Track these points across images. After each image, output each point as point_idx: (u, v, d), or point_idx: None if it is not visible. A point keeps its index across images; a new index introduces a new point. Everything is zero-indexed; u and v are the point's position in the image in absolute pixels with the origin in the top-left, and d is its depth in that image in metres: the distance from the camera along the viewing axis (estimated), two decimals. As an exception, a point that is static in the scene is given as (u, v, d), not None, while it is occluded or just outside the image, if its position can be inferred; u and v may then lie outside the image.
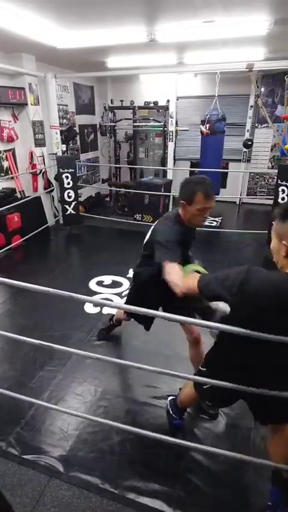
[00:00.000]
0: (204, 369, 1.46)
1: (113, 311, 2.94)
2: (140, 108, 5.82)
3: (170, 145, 5.30)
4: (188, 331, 1.92)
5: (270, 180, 5.85)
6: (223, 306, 1.28)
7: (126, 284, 3.40)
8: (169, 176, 5.59)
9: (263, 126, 5.72)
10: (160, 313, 1.50)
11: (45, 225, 4.83)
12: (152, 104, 5.77)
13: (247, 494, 1.55)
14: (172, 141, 5.24)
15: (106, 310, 2.95)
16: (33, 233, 4.47)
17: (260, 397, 1.24)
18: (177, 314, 1.38)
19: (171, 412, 1.84)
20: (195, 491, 1.55)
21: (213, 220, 5.29)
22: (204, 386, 1.45)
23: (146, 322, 2.05)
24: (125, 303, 2.16)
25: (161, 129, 5.71)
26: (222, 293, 1.13)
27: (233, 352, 1.31)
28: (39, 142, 4.67)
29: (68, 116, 5.54)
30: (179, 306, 1.81)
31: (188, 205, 1.62)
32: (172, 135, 5.17)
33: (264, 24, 2.87)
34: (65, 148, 5.19)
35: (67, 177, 4.74)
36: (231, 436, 1.84)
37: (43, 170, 4.77)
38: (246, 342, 1.12)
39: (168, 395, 1.92)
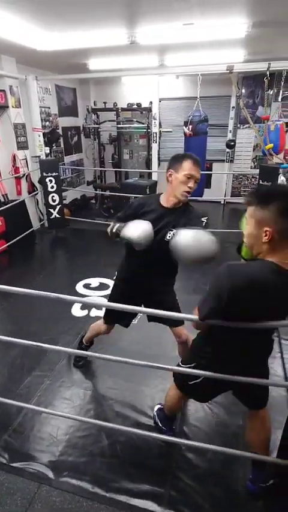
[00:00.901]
0: (187, 366, 1.44)
1: (100, 313, 2.93)
2: (123, 110, 5.83)
3: (154, 147, 5.32)
4: (176, 334, 1.93)
5: (253, 180, 5.95)
6: None
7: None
8: (154, 177, 5.61)
9: (245, 126, 5.82)
10: (144, 309, 1.51)
11: (30, 229, 4.78)
12: (135, 106, 5.80)
13: (237, 490, 1.57)
14: (156, 142, 5.27)
15: (94, 313, 2.94)
16: (18, 237, 4.40)
17: (244, 386, 1.29)
18: (158, 309, 1.42)
19: (160, 425, 1.79)
20: (185, 490, 1.56)
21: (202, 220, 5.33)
22: (190, 382, 1.44)
23: (128, 319, 2.03)
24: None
25: (145, 130, 5.73)
26: (217, 312, 1.11)
27: (218, 344, 1.32)
28: (22, 145, 4.61)
29: (51, 118, 5.50)
30: (159, 300, 1.84)
31: (176, 172, 1.66)
32: (156, 137, 5.20)
33: (243, 27, 2.93)
34: (48, 151, 5.14)
35: (51, 181, 4.69)
36: (220, 433, 1.85)
37: (26, 173, 4.71)
38: (233, 334, 1.18)
39: (157, 405, 1.88)
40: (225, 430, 1.86)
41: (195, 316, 1.20)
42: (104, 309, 2.30)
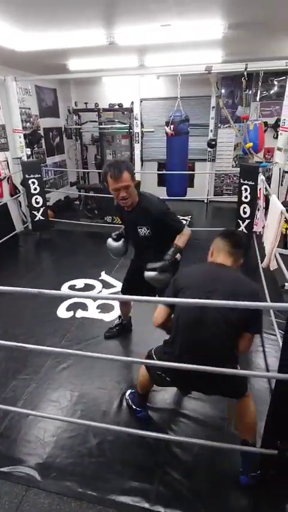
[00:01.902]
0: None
1: (86, 314, 2.94)
2: (104, 110, 5.82)
3: (137, 147, 5.34)
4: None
5: (235, 178, 6.05)
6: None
7: (98, 287, 3.40)
8: (137, 177, 5.62)
9: (225, 126, 5.92)
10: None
11: (14, 232, 4.71)
12: (117, 106, 5.80)
13: (225, 483, 1.60)
14: (138, 142, 5.28)
15: (79, 314, 2.93)
16: (1, 241, 4.34)
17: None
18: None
19: (133, 406, 1.92)
20: (173, 485, 1.58)
21: (183, 219, 5.39)
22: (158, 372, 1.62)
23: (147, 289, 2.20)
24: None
25: (127, 130, 5.74)
26: (172, 294, 1.54)
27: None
28: (2, 147, 4.54)
29: (32, 119, 5.43)
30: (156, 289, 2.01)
31: (108, 186, 1.85)
32: (138, 137, 5.21)
33: (219, 29, 2.98)
34: (29, 152, 5.08)
35: (33, 183, 4.64)
36: (206, 427, 1.89)
37: (8, 176, 4.65)
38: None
39: (128, 390, 2.02)
40: (211, 424, 1.90)
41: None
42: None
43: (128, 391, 2.02)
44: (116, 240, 2.18)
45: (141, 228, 1.94)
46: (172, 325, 1.58)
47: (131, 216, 1.98)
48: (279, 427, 1.46)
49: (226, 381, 1.45)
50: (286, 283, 2.95)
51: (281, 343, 1.37)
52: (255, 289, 1.47)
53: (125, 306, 2.56)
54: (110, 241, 2.21)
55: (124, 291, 2.37)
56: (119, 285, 3.36)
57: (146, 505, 1.51)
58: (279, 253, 2.61)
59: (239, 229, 4.07)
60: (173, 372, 1.52)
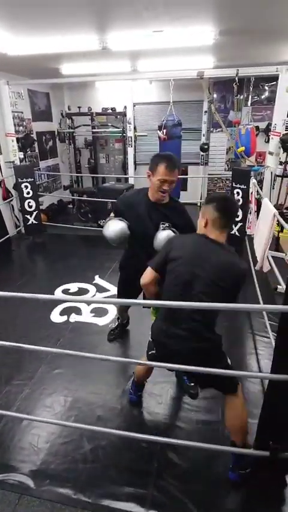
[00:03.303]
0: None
1: (80, 318, 2.93)
2: (97, 114, 5.84)
3: (130, 151, 5.36)
4: None
5: (227, 182, 6.10)
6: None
7: (92, 291, 3.39)
8: (131, 181, 5.65)
9: (217, 130, 5.97)
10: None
11: (6, 236, 4.68)
12: (110, 110, 5.83)
13: (219, 486, 1.60)
14: (131, 146, 5.31)
15: (73, 319, 2.92)
16: (-7, 245, 4.31)
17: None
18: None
19: (130, 389, 2.05)
20: (168, 489, 1.58)
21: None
22: (149, 352, 1.67)
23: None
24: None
25: (120, 134, 5.77)
26: (163, 258, 1.59)
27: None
28: (-5, 151, 4.52)
29: (24, 123, 5.42)
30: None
31: (152, 175, 1.80)
32: (131, 141, 5.24)
33: (210, 35, 3.02)
34: (22, 156, 5.07)
35: (26, 187, 4.62)
36: (200, 430, 1.89)
37: (0, 180, 4.62)
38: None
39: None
40: (206, 427, 1.90)
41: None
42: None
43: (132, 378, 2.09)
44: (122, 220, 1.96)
45: (164, 225, 1.87)
46: (157, 291, 1.66)
47: (156, 207, 1.89)
48: (271, 428, 1.47)
49: (215, 361, 1.47)
50: (279, 286, 2.98)
51: (273, 345, 1.39)
52: (243, 274, 1.51)
53: (123, 307, 2.55)
54: (115, 221, 1.94)
55: (122, 293, 2.34)
56: (112, 289, 3.37)
57: (141, 510, 1.50)
58: (272, 256, 2.64)
59: (231, 232, 4.10)
60: (162, 346, 1.58)
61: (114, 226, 1.94)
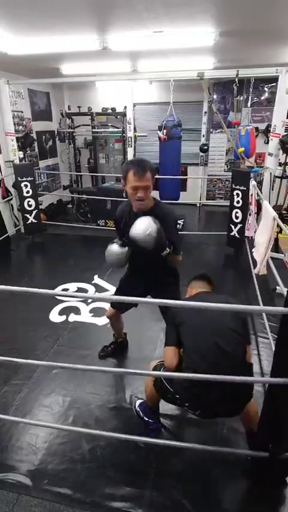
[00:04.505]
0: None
1: (79, 318, 2.92)
2: (97, 114, 5.84)
3: (130, 151, 5.36)
4: None
5: (227, 183, 6.11)
6: None
7: (91, 291, 3.39)
8: (130, 181, 5.64)
9: (217, 131, 5.98)
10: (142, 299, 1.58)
11: (5, 235, 4.67)
12: (110, 110, 5.83)
13: (217, 487, 1.61)
14: (131, 146, 5.30)
15: (72, 318, 2.92)
16: (-8, 244, 4.30)
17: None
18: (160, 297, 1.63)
19: (146, 419, 1.82)
20: (166, 490, 1.58)
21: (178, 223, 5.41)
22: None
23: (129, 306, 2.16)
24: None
25: (120, 135, 5.77)
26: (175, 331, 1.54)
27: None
28: (-5, 150, 4.52)
29: (24, 122, 5.42)
30: (162, 290, 1.94)
31: (125, 185, 1.74)
32: (131, 141, 5.23)
33: (211, 36, 3.02)
34: (22, 155, 5.06)
35: (26, 186, 4.62)
36: (198, 431, 1.89)
37: (0, 178, 4.62)
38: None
39: (136, 398, 1.94)
40: (204, 428, 1.90)
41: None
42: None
43: (138, 402, 1.90)
44: (122, 246, 1.90)
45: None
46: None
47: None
48: (271, 430, 1.47)
49: (246, 392, 1.47)
50: (277, 287, 2.99)
51: (273, 347, 1.39)
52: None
53: (116, 322, 2.37)
54: (114, 246, 1.89)
55: (118, 304, 2.20)
56: (112, 289, 3.36)
57: (139, 511, 1.50)
58: (271, 257, 2.64)
59: (231, 233, 4.11)
60: (194, 398, 1.47)
61: (113, 252, 1.90)
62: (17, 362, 1.53)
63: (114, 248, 1.88)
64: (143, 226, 1.66)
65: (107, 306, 3.03)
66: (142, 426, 1.88)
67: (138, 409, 1.88)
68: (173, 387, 1.52)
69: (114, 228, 2.03)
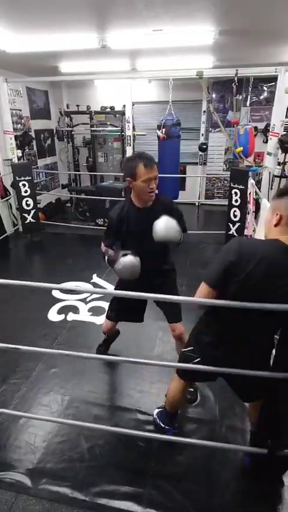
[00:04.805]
0: (189, 348, 1.50)
1: (77, 317, 2.92)
2: (96, 113, 5.83)
3: (128, 150, 5.35)
4: (172, 328, 1.98)
5: (225, 182, 6.12)
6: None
7: (90, 289, 3.38)
8: (129, 180, 5.64)
9: (216, 130, 5.98)
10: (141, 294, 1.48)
11: (4, 235, 4.66)
12: (109, 109, 5.82)
13: (216, 485, 1.61)
14: (130, 145, 5.29)
15: (70, 317, 2.91)
16: (-9, 243, 4.29)
17: (241, 376, 1.35)
18: (158, 292, 1.60)
19: (163, 426, 1.79)
20: (165, 488, 1.58)
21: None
22: (192, 364, 1.46)
23: (137, 315, 2.06)
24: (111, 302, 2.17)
25: (119, 133, 5.76)
26: (224, 277, 1.23)
27: (216, 327, 1.40)
28: (-7, 149, 4.50)
29: (23, 120, 5.40)
30: (159, 283, 1.91)
31: (134, 180, 1.70)
32: (130, 140, 5.23)
33: (210, 35, 3.02)
34: (20, 154, 5.04)
35: (24, 185, 4.61)
36: (198, 428, 1.89)
37: (-2, 177, 4.60)
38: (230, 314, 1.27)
39: (156, 409, 1.88)
40: (204, 425, 1.91)
41: (197, 299, 1.29)
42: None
43: (156, 410, 1.87)
44: (132, 255, 1.71)
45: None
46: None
47: (145, 214, 1.76)
48: (270, 427, 1.47)
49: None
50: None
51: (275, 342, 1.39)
52: None
53: (111, 328, 2.25)
54: (130, 258, 1.66)
55: (116, 316, 2.12)
56: (110, 288, 3.36)
57: (138, 509, 1.50)
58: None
59: (229, 232, 4.11)
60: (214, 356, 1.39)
61: (129, 265, 1.68)
62: (19, 349, 1.51)
63: (131, 260, 1.66)
64: (166, 222, 1.65)
65: (106, 305, 3.03)
66: (141, 425, 1.88)
67: (156, 416, 1.85)
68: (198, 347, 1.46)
69: (105, 229, 1.93)
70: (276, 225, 1.21)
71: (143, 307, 2.05)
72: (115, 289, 2.12)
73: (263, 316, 1.21)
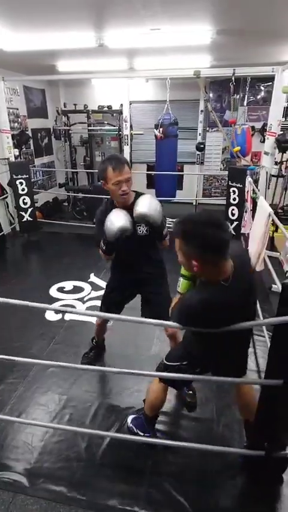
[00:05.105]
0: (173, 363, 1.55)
1: (75, 317, 2.91)
2: (94, 112, 5.81)
3: (126, 149, 5.34)
4: (165, 328, 2.00)
5: (223, 181, 6.13)
6: None
7: (87, 289, 3.38)
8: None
9: (213, 130, 5.98)
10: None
11: (1, 233, 4.64)
12: (106, 108, 5.80)
13: (213, 484, 1.61)
14: (128, 144, 5.29)
15: (68, 317, 2.91)
16: (-13, 242, 4.27)
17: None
18: (154, 299, 1.73)
19: (141, 434, 1.74)
20: (163, 487, 1.58)
21: (171, 222, 5.41)
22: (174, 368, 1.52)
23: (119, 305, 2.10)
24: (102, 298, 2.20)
25: (116, 133, 5.75)
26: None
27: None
28: (-11, 147, 4.47)
29: (20, 119, 5.37)
30: (155, 291, 1.95)
31: (106, 183, 1.71)
32: (127, 139, 5.22)
33: (208, 34, 3.02)
34: (17, 153, 5.02)
35: (21, 184, 4.59)
36: (194, 429, 1.90)
37: (-5, 176, 4.58)
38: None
39: (130, 416, 1.85)
40: (200, 426, 1.91)
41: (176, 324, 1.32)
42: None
43: (129, 418, 1.82)
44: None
45: (140, 226, 1.78)
46: None
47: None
48: (266, 429, 1.48)
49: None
50: (274, 285, 3.01)
51: (269, 344, 1.40)
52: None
53: (103, 328, 2.32)
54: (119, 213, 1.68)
55: (107, 310, 2.10)
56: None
57: (136, 508, 1.51)
58: (268, 256, 2.66)
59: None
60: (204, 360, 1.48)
61: (118, 220, 1.68)
62: (13, 360, 1.51)
63: (119, 214, 1.68)
64: (149, 201, 1.68)
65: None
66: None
67: (131, 425, 1.79)
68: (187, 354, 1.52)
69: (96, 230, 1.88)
70: (199, 271, 1.21)
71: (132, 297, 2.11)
72: (106, 287, 2.17)
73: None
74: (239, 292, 1.22)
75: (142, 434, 1.74)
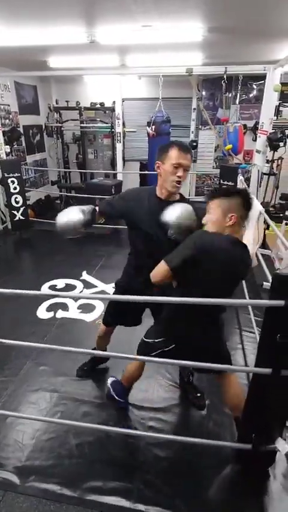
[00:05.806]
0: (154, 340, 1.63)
1: (66, 314, 2.90)
2: (86, 109, 5.78)
3: (119, 147, 5.33)
4: None
5: (215, 179, 6.15)
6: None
7: (80, 287, 3.37)
8: (119, 177, 5.62)
9: (206, 128, 6.00)
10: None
11: (-8, 231, 4.60)
12: (98, 105, 5.77)
13: (205, 479, 1.62)
14: (120, 142, 5.27)
15: (59, 315, 2.89)
16: (-22, 240, 4.22)
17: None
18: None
19: (116, 397, 1.89)
20: (154, 483, 1.59)
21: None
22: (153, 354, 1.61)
23: (134, 319, 1.98)
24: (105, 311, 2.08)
25: (109, 130, 5.73)
26: (185, 257, 1.39)
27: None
28: (-20, 144, 4.42)
29: (11, 116, 5.32)
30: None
31: (163, 163, 1.58)
32: (120, 136, 5.21)
33: (199, 31, 3.02)
34: (8, 150, 4.97)
35: (13, 182, 4.54)
36: (185, 424, 1.92)
37: (-14, 173, 4.53)
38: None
39: (110, 378, 1.97)
40: (191, 421, 1.93)
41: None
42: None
43: (110, 380, 1.94)
44: (84, 213, 1.74)
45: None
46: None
47: (165, 207, 1.56)
48: (254, 421, 1.49)
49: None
50: (265, 282, 3.03)
51: (258, 340, 1.41)
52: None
53: (106, 338, 2.14)
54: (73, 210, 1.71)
55: (114, 316, 2.00)
56: (100, 285, 3.36)
57: (127, 504, 1.51)
58: (261, 254, 2.68)
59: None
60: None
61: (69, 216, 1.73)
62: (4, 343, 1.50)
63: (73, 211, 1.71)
64: (185, 208, 1.56)
65: (96, 302, 3.03)
66: (130, 421, 1.89)
67: (109, 386, 1.92)
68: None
69: (107, 202, 1.88)
70: (231, 225, 1.41)
71: (141, 309, 1.95)
72: (114, 293, 2.05)
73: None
74: (238, 254, 1.41)
75: (118, 399, 1.89)
